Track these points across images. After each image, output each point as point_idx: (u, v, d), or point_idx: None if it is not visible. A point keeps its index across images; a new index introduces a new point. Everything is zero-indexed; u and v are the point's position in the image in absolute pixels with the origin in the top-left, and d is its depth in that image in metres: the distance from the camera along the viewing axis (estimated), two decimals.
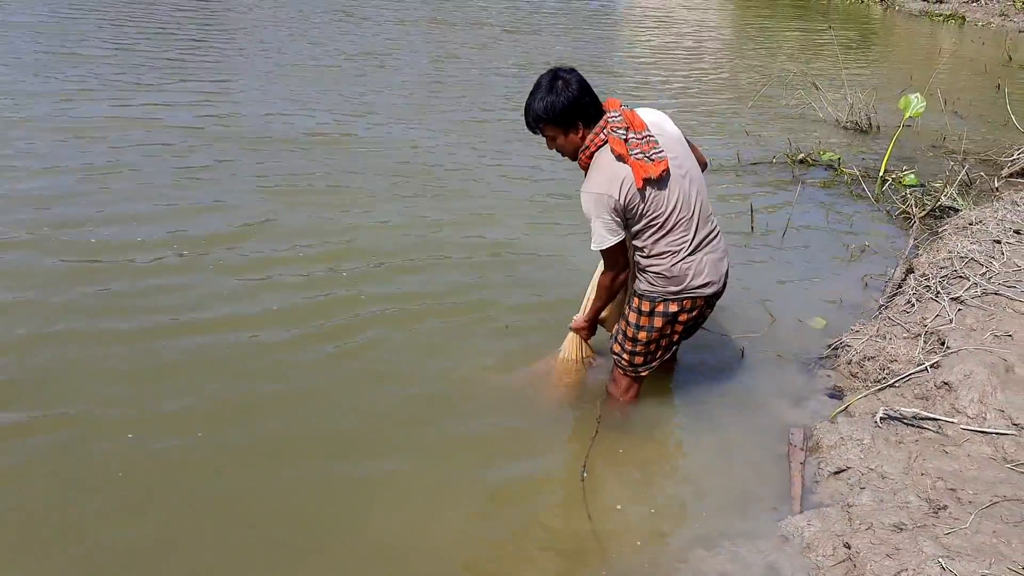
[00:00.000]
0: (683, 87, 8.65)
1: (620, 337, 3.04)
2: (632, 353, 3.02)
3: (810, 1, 16.53)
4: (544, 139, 2.86)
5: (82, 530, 2.49)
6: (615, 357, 3.11)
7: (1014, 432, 2.84)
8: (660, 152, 2.74)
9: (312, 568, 2.44)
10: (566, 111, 2.72)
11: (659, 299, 2.89)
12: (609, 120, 2.75)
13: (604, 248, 2.81)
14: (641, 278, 2.93)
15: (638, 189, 2.71)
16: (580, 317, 3.26)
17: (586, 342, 3.36)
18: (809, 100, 7.74)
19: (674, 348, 3.10)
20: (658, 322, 2.92)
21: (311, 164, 5.47)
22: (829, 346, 3.69)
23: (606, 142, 2.74)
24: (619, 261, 2.90)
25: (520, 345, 3.55)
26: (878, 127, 7.25)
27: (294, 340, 3.50)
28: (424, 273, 4.17)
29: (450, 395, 3.25)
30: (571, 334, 3.33)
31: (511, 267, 4.33)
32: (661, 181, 2.75)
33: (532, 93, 2.77)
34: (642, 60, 9.80)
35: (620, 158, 2.71)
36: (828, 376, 3.53)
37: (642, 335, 2.96)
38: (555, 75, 2.74)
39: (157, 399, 3.06)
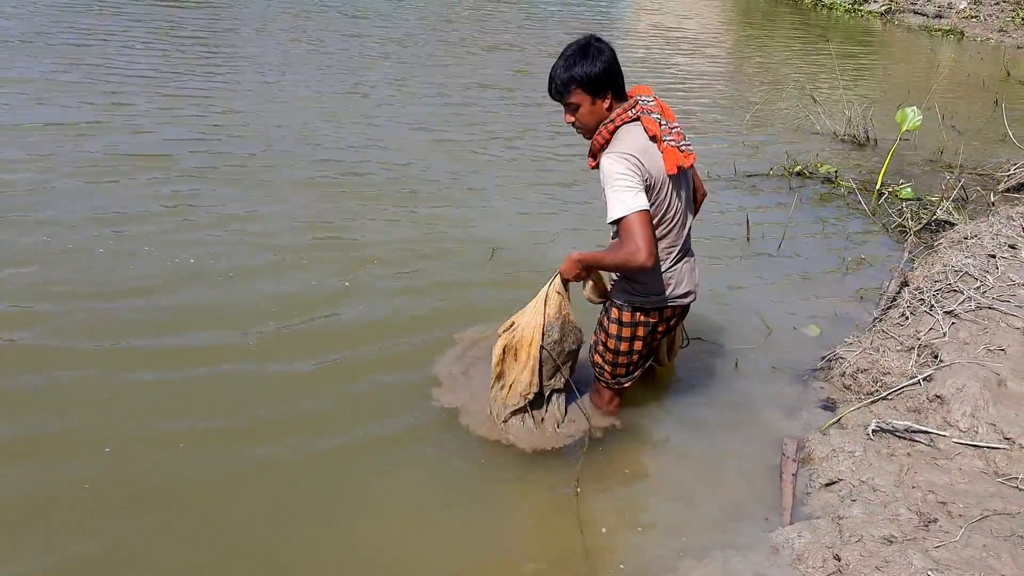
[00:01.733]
0: (682, 98, 8.66)
1: (600, 348, 3.00)
2: (613, 365, 2.98)
3: (810, 15, 16.58)
4: (564, 110, 2.72)
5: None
6: (596, 369, 3.06)
7: (1006, 446, 2.85)
8: (689, 146, 2.71)
9: None
10: (600, 77, 2.61)
11: (639, 308, 2.85)
12: (640, 102, 2.68)
13: (627, 215, 2.51)
14: (620, 286, 2.87)
15: (669, 175, 2.64)
16: (579, 252, 2.84)
17: (567, 293, 2.91)
18: (807, 113, 7.77)
19: (652, 357, 3.08)
20: (640, 332, 2.89)
21: (336, 211, 4.88)
22: (823, 358, 3.70)
23: (636, 119, 2.66)
24: (643, 235, 2.50)
25: None
26: (875, 140, 7.28)
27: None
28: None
29: (440, 410, 3.23)
30: (555, 280, 2.90)
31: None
32: (680, 178, 2.73)
33: (562, 57, 2.64)
34: (644, 72, 9.81)
35: (653, 139, 2.63)
36: (821, 388, 3.53)
37: (623, 346, 2.91)
38: (588, 42, 2.64)
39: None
